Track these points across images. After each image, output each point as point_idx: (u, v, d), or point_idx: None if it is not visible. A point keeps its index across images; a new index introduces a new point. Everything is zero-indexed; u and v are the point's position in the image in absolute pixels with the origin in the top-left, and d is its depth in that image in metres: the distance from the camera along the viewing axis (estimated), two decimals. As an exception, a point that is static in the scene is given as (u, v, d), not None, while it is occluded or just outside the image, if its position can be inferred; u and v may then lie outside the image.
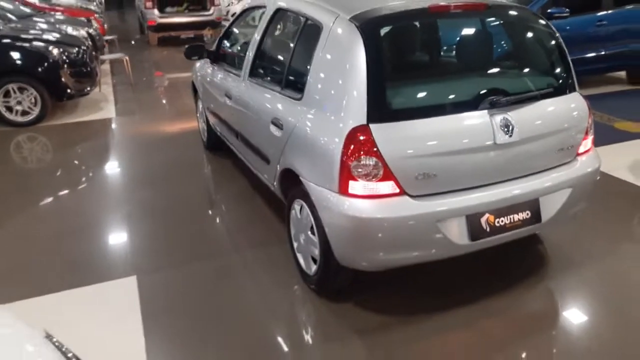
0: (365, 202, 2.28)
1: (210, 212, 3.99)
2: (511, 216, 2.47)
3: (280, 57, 3.23)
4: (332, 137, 2.36)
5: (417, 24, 2.94)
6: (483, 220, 2.41)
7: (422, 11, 2.61)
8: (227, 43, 4.22)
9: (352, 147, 2.25)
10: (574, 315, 2.67)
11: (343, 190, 2.31)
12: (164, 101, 7.62)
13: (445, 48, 3.09)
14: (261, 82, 3.29)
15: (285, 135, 2.79)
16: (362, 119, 2.27)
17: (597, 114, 5.91)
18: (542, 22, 2.84)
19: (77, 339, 2.00)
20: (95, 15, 10.82)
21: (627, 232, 3.48)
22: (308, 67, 2.67)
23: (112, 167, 4.95)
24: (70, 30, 7.69)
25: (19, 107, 5.88)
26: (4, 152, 5.24)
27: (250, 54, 3.47)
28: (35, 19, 8.09)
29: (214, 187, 4.50)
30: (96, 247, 3.39)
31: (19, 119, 5.93)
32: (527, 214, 2.51)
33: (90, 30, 8.36)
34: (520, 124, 2.43)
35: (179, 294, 2.88)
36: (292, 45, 3.03)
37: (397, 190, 2.29)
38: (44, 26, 7.50)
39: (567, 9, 6.09)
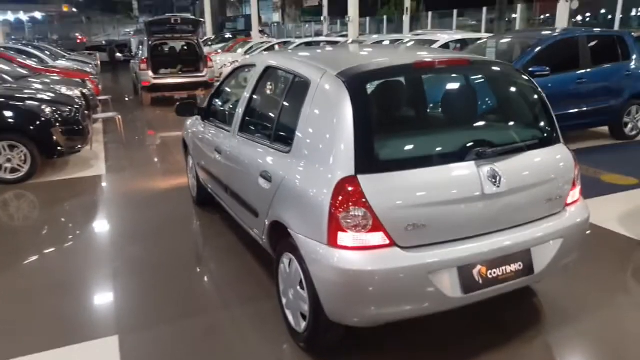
0: (355, 254, 2.25)
1: (198, 268, 3.91)
2: (503, 267, 2.44)
3: (270, 112, 3.29)
4: (321, 188, 2.35)
5: (402, 78, 3.02)
6: (475, 272, 2.37)
7: (407, 67, 2.70)
8: (217, 100, 4.30)
9: (340, 197, 2.25)
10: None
11: (332, 242, 2.27)
12: (155, 159, 7.65)
13: (431, 101, 3.15)
14: (251, 137, 3.32)
15: (274, 187, 2.78)
16: (351, 170, 2.27)
17: (583, 167, 5.95)
18: (524, 77, 2.93)
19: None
20: (90, 76, 11.06)
21: (620, 283, 3.45)
22: (296, 121, 2.70)
23: (100, 224, 4.88)
24: (64, 90, 7.79)
25: (8, 165, 5.85)
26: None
27: (240, 110, 3.53)
28: (30, 79, 8.26)
29: (203, 243, 4.43)
30: (80, 305, 3.28)
31: (8, 176, 5.88)
32: (520, 265, 2.48)
33: (85, 90, 8.51)
34: (507, 175, 2.44)
35: (164, 354, 2.77)
36: (281, 100, 3.09)
37: (387, 242, 2.26)
38: (39, 86, 7.63)
39: (547, 68, 6.32)
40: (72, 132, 6.31)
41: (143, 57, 12.05)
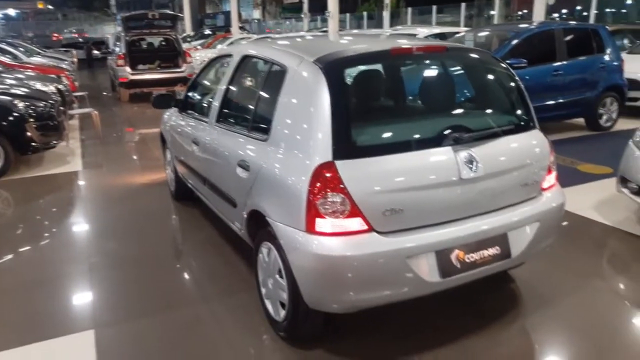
0: (333, 239, 2.24)
1: (176, 262, 3.86)
2: (481, 252, 2.45)
3: (247, 101, 3.26)
4: (299, 175, 2.34)
5: (380, 65, 3.02)
6: (453, 256, 2.38)
7: (384, 53, 2.71)
8: (195, 92, 4.23)
9: (318, 184, 2.24)
10: (551, 353, 2.63)
11: (310, 229, 2.26)
12: (132, 155, 7.53)
13: (408, 88, 3.15)
14: (228, 127, 3.29)
15: (252, 176, 2.75)
16: (328, 156, 2.26)
17: (560, 157, 6.08)
18: (501, 64, 2.95)
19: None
20: (66, 72, 10.83)
21: (595, 269, 3.51)
22: (274, 108, 2.68)
23: (76, 221, 4.79)
24: (39, 85, 7.63)
25: (-20, 161, 5.71)
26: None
27: (217, 100, 3.49)
28: (4, 75, 8.04)
29: (181, 237, 4.37)
30: (56, 300, 3.20)
31: (-20, 173, 5.74)
32: (497, 250, 2.50)
33: (60, 86, 8.33)
34: (484, 160, 2.46)
35: (141, 348, 2.72)
36: (258, 89, 3.07)
37: (366, 227, 2.25)
38: (12, 82, 7.44)
39: (524, 60, 6.39)
40: (47, 128, 6.18)
41: (120, 53, 11.84)
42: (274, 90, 2.74)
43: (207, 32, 25.77)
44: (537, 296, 3.12)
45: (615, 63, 7.40)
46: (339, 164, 2.25)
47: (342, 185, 2.22)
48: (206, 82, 4.14)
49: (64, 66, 12.78)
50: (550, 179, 2.82)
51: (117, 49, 12.83)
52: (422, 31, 10.23)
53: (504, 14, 21.81)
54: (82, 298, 3.26)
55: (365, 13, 28.45)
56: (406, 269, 2.27)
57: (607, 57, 7.32)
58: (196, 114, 3.95)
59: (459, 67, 3.08)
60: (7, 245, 4.13)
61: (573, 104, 7.04)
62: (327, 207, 2.23)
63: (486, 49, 6.81)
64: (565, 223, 4.24)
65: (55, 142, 6.46)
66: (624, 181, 4.13)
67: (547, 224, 2.69)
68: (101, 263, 3.74)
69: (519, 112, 2.86)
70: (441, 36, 9.46)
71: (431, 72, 3.08)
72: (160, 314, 3.01)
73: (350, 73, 2.60)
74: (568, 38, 7.14)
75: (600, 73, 7.24)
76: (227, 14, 31.64)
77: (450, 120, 2.70)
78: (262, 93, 3.00)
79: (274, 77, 2.81)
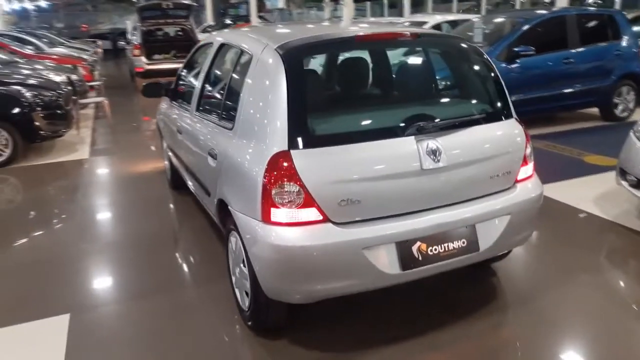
0: (288, 230, 2.22)
1: (163, 249, 3.89)
2: (445, 244, 2.39)
3: (219, 90, 3.24)
4: (256, 164, 2.32)
5: (343, 52, 2.96)
6: (414, 248, 2.32)
7: (348, 40, 2.65)
8: (181, 80, 4.26)
9: (274, 173, 2.21)
10: (520, 349, 2.57)
11: (265, 218, 2.25)
12: (141, 143, 7.63)
13: (372, 76, 3.07)
14: (204, 116, 3.29)
15: (219, 166, 2.76)
16: (284, 145, 2.23)
17: (567, 149, 5.94)
18: (476, 50, 2.85)
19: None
20: (83, 62, 11.03)
21: (584, 263, 3.38)
22: (239, 97, 2.66)
23: (71, 207, 4.89)
24: (52, 75, 7.78)
25: (-11, 149, 5.90)
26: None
27: (197, 88, 3.50)
28: (21, 65, 8.23)
29: (171, 225, 4.43)
30: (41, 283, 3.30)
31: (-11, 160, 5.93)
32: (464, 243, 2.43)
33: (73, 76, 8.49)
34: (449, 150, 2.38)
35: (112, 333, 2.77)
36: (228, 77, 3.06)
37: (321, 217, 2.22)
38: (26, 72, 7.62)
39: (532, 48, 6.20)
40: (54, 117, 6.33)
41: (136, 43, 11.99)
42: (240, 78, 2.72)
43: (228, 21, 25.81)
44: (516, 291, 3.05)
45: (633, 50, 7.11)
46: (294, 153, 2.22)
47: (296, 175, 2.18)
48: (191, 71, 4.14)
49: (84, 57, 13.02)
50: (527, 170, 2.71)
51: (134, 39, 13.00)
52: (436, 18, 10.04)
53: (531, 0, 21.17)
54: (66, 282, 3.32)
55: (386, 1, 28.04)
56: (363, 261, 2.23)
57: (624, 44, 7.04)
58: (182, 102, 3.97)
59: (429, 55, 2.98)
60: (4, 229, 4.26)
61: (585, 93, 6.81)
62: (282, 197, 2.20)
63: (496, 36, 6.71)
64: (561, 216, 4.13)
65: (63, 130, 6.60)
66: (623, 173, 3.97)
67: (519, 217, 2.59)
68: (90, 249, 3.81)
69: (492, 100, 2.75)
70: (453, 24, 9.26)
71: (397, 60, 2.97)
72: (136, 300, 3.06)
73: (311, 60, 2.57)
74: (581, 25, 6.89)
75: (616, 61, 6.97)
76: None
77: (414, 109, 2.63)
78: (231, 81, 2.98)
79: (242, 65, 2.78)
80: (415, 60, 2.89)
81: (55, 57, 11.25)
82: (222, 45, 3.35)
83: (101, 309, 3.00)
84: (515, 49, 6.19)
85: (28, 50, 11.32)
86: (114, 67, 20.62)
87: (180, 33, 13.21)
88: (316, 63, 2.64)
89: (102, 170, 6.09)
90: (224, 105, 2.96)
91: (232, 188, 2.59)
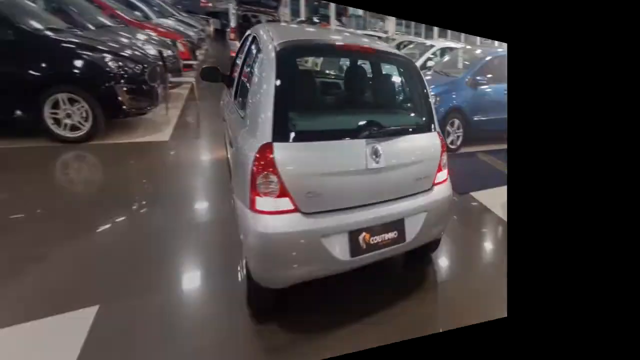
0: (266, 217, 2.37)
1: (209, 236, 3.55)
2: (383, 235, 2.72)
3: (245, 81, 3.37)
4: (249, 153, 2.44)
5: (324, 56, 3.42)
6: (361, 238, 2.62)
7: (330, 46, 3.13)
8: (233, 68, 4.21)
9: (262, 162, 2.37)
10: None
11: (252, 206, 2.41)
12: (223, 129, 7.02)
13: (346, 82, 3.60)
14: (237, 105, 3.36)
15: (234, 155, 2.91)
16: (269, 137, 2.41)
17: (498, 162, 6.32)
18: (417, 70, 3.23)
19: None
20: (183, 39, 10.66)
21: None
22: (250, 89, 2.86)
23: (130, 191, 4.34)
24: (146, 47, 7.27)
25: (68, 121, 5.42)
26: (41, 170, 4.74)
27: (235, 77, 3.72)
28: (113, 31, 7.49)
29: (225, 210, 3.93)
30: (85, 273, 3.01)
31: (68, 134, 5.45)
32: (395, 234, 2.77)
33: (168, 51, 8.01)
34: (386, 153, 2.71)
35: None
36: (249, 69, 3.24)
37: (292, 207, 2.42)
38: (117, 38, 6.99)
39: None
40: (138, 92, 5.80)
41: (231, 27, 11.60)
42: (254, 71, 2.90)
43: (315, 20, 25.11)
44: (444, 274, 3.42)
45: None
46: (275, 145, 2.40)
47: (275, 166, 2.37)
48: (236, 60, 4.09)
49: (190, 33, 12.64)
50: (442, 175, 3.08)
51: (231, 23, 12.62)
52: (445, 44, 10.90)
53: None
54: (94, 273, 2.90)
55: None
56: (321, 248, 2.47)
57: None
58: (230, 90, 4.01)
59: (385, 70, 3.54)
60: (71, 211, 3.69)
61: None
62: (264, 186, 2.37)
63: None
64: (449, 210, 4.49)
65: (148, 108, 6.09)
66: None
67: (433, 214, 2.97)
68: (139, 238, 3.21)
69: (424, 114, 3.13)
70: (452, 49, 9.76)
71: (364, 71, 3.54)
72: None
73: (297, 59, 2.95)
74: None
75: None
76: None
77: (369, 116, 2.96)
78: (251, 74, 3.10)
79: (257, 58, 2.97)
80: (376, 73, 3.43)
81: (160, 29, 10.84)
82: (253, 38, 3.43)
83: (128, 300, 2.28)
84: (477, 78, 7.19)
85: (132, 17, 10.87)
86: (222, 48, 20.52)
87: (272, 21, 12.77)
88: (298, 61, 2.98)
89: (178, 154, 5.55)
90: (243, 96, 3.12)
91: (235, 177, 2.81)
